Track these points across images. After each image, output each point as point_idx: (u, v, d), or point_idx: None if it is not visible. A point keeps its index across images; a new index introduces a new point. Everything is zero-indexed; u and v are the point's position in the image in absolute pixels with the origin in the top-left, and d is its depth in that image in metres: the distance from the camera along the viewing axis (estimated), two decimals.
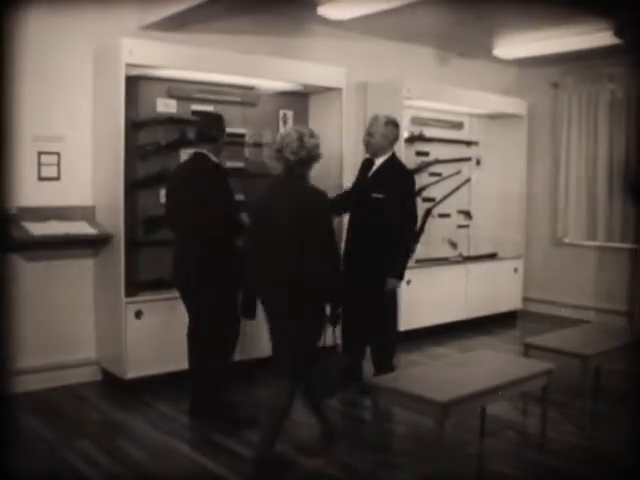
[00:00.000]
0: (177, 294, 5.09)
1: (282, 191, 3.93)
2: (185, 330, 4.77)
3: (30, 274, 5.16)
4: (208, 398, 4.69)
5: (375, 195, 5.16)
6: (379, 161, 5.29)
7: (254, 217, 4.10)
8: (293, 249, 3.76)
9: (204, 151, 4.66)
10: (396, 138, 5.33)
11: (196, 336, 4.68)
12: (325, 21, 6.05)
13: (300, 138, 3.89)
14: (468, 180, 7.94)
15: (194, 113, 5.79)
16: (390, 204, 5.10)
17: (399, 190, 5.17)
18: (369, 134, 5.31)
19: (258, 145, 6.23)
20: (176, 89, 5.69)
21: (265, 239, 3.88)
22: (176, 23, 5.45)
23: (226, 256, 4.58)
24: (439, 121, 7.73)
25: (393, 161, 5.30)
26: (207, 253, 4.54)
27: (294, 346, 3.87)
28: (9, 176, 4.84)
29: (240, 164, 6.10)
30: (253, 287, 4.06)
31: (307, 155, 3.92)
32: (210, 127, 4.72)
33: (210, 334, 4.63)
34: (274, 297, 3.89)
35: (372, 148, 5.33)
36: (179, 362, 5.25)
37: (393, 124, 5.32)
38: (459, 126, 7.99)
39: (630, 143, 7.62)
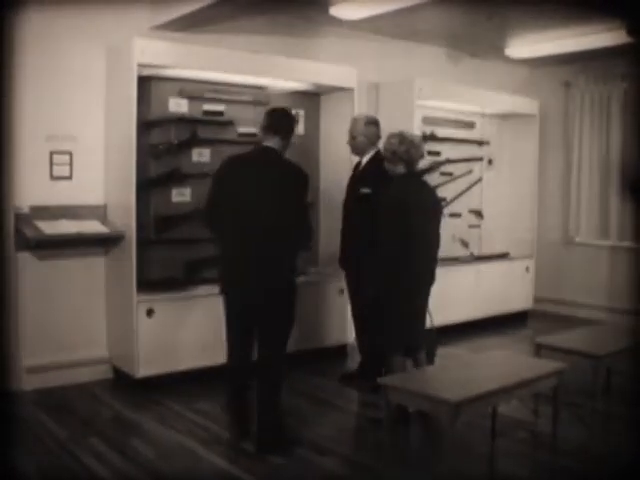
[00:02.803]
0: (190, 293, 5.16)
1: (422, 190, 4.57)
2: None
3: (42, 273, 5.19)
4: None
5: (363, 190, 5.24)
6: (365, 159, 5.42)
7: (405, 217, 4.30)
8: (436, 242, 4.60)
9: (273, 146, 4.22)
10: (377, 136, 5.39)
11: (277, 351, 4.24)
12: (337, 21, 6.05)
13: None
14: (480, 180, 7.93)
15: (205, 113, 5.82)
16: (377, 198, 5.07)
17: (385, 184, 5.20)
18: (352, 137, 5.42)
19: None
20: (188, 89, 5.70)
21: (420, 237, 4.38)
22: (188, 23, 5.46)
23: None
24: (451, 121, 7.71)
25: (378, 157, 5.28)
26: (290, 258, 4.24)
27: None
28: (21, 175, 4.91)
29: None
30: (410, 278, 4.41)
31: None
32: (282, 120, 4.29)
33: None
34: (429, 281, 4.59)
35: (356, 149, 5.49)
36: (190, 360, 5.29)
37: (373, 124, 5.43)
38: (471, 126, 7.97)
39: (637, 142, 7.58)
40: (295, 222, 4.16)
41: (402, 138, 4.49)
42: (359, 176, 5.44)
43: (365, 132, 5.38)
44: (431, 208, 4.55)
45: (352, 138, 5.44)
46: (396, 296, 4.40)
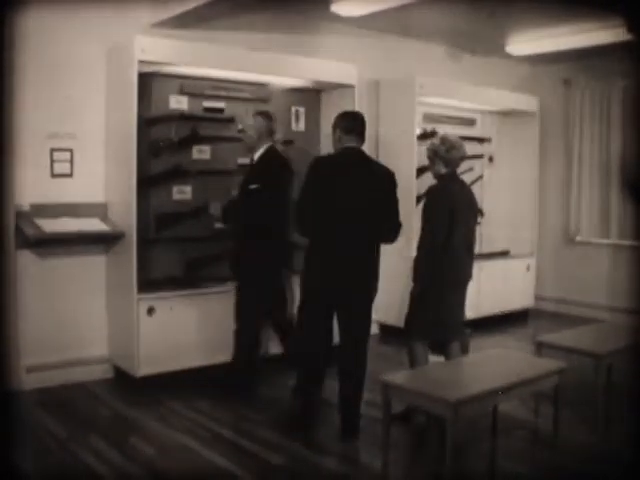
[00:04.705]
0: (191, 292, 5.15)
1: (463, 190, 4.77)
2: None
3: (42, 271, 5.19)
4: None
5: (251, 186, 5.06)
6: (257, 155, 5.20)
7: (451, 215, 4.52)
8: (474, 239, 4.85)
9: (357, 146, 4.45)
10: (269, 129, 5.19)
11: (364, 346, 4.49)
12: (338, 18, 6.04)
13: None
14: (480, 177, 7.91)
15: (206, 110, 5.80)
16: (266, 194, 4.99)
17: (275, 180, 5.10)
18: (241, 130, 5.30)
19: None
20: (188, 86, 5.69)
21: (462, 235, 4.60)
22: (188, 20, 5.45)
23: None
24: (451, 118, 7.70)
25: (270, 153, 5.17)
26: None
27: None
28: (22, 173, 4.90)
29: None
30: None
31: None
32: (363, 123, 4.52)
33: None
34: (468, 275, 4.78)
35: (247, 144, 5.29)
36: (191, 359, 5.27)
37: (262, 115, 5.22)
38: (471, 123, 7.97)
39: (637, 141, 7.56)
40: (386, 219, 4.40)
41: (444, 139, 4.72)
42: (249, 172, 5.24)
43: (254, 125, 5.16)
44: (471, 207, 4.78)
45: (240, 131, 5.28)
46: (433, 289, 4.59)
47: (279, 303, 5.36)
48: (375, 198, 4.34)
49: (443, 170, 4.69)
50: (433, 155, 4.70)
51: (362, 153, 4.46)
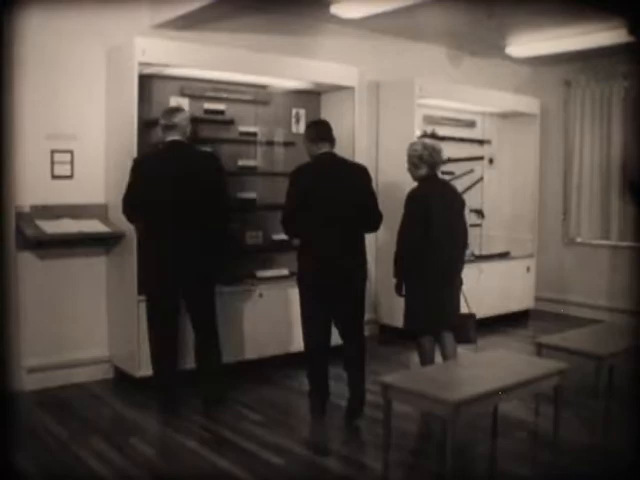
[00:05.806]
0: None
1: (444, 189, 4.99)
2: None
3: (43, 272, 5.19)
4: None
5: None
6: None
7: (426, 211, 4.74)
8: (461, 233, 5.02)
9: (330, 151, 4.74)
10: (167, 125, 4.77)
11: (360, 335, 4.83)
12: (338, 20, 6.05)
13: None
14: (481, 179, 7.92)
15: (206, 112, 5.81)
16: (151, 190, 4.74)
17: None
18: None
19: (270, 143, 6.25)
20: (188, 88, 5.71)
21: (442, 229, 4.76)
22: (189, 22, 5.46)
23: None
24: (452, 120, 7.71)
25: (170, 146, 4.83)
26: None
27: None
28: (23, 174, 4.91)
29: (252, 162, 6.11)
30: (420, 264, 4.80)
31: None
32: (329, 130, 4.77)
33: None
34: (454, 268, 4.96)
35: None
36: (191, 360, 5.25)
37: (183, 111, 4.96)
38: (472, 125, 7.97)
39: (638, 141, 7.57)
40: (366, 211, 4.69)
41: (424, 144, 4.98)
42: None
43: (180, 121, 4.80)
44: (453, 203, 4.98)
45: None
46: (413, 283, 4.86)
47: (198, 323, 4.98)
48: (354, 193, 4.63)
49: (424, 172, 4.91)
50: (418, 160, 4.91)
51: (335, 155, 4.74)
